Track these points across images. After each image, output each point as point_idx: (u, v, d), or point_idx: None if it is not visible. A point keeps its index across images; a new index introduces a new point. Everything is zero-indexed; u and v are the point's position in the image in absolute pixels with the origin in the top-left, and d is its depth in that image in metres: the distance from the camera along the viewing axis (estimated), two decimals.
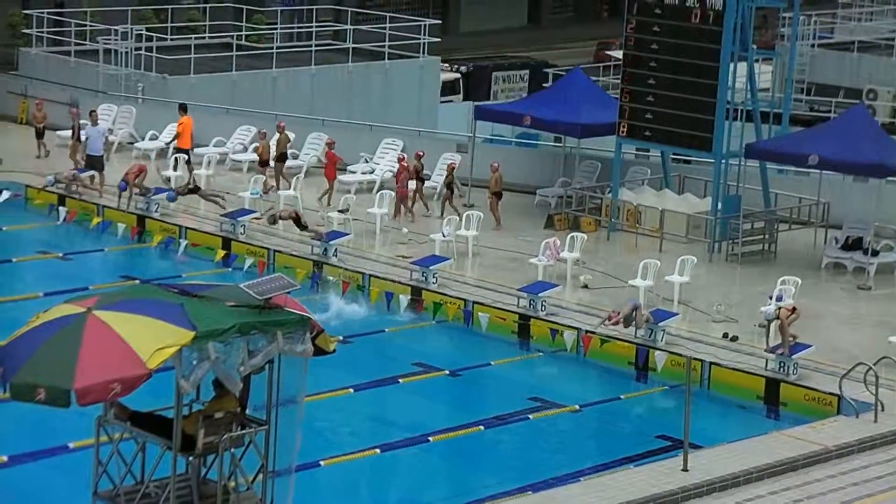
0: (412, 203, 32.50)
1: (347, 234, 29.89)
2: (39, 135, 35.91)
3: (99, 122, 34.84)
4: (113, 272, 28.45)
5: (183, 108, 35.40)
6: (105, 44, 41.46)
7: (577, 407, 23.27)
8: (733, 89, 31.04)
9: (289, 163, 35.60)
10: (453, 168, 32.99)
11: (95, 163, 33.57)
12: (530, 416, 22.78)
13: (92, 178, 33.46)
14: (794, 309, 23.88)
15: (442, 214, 32.11)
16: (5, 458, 19.50)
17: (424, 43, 45.17)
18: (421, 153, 33.54)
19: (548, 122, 33.90)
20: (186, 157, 34.28)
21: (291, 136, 35.57)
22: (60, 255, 29.60)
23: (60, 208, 31.49)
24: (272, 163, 33.97)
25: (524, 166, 36.00)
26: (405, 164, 32.77)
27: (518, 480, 19.96)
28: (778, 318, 23.66)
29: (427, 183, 33.65)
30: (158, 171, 33.19)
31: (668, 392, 23.77)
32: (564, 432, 22.51)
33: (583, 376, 24.63)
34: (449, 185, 32.73)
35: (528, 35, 66.43)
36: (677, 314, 25.75)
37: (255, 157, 35.95)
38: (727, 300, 27.21)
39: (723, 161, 31.00)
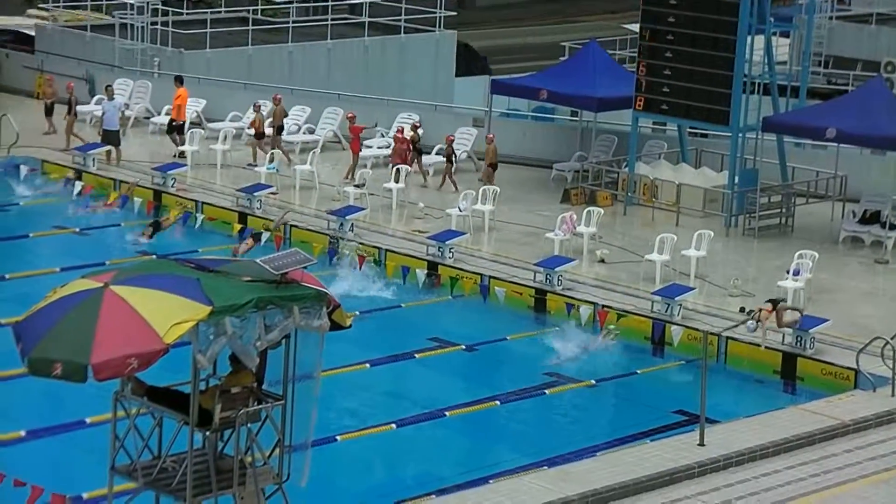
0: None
1: (363, 209, 29.87)
2: (48, 111, 35.79)
3: (115, 96, 34.83)
4: (129, 247, 28.46)
5: (179, 80, 35.41)
6: (121, 18, 41.43)
7: (594, 382, 23.26)
8: (750, 62, 30.92)
9: (305, 137, 35.62)
10: (452, 140, 33.08)
11: (111, 137, 33.61)
12: (546, 391, 22.78)
13: (108, 153, 33.50)
14: (773, 308, 23.43)
15: (440, 187, 32.38)
16: (23, 433, 19.56)
17: (441, 17, 45.06)
18: (417, 124, 33.52)
19: (564, 96, 33.83)
20: (180, 128, 34.40)
21: (307, 109, 35.54)
22: (77, 230, 29.63)
23: (76, 183, 31.49)
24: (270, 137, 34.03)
25: (540, 140, 35.95)
26: (402, 137, 32.83)
27: (534, 455, 19.98)
28: (759, 320, 23.32)
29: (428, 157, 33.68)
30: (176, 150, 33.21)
31: (684, 367, 23.74)
32: (580, 407, 22.51)
33: (600, 350, 24.58)
34: (448, 157, 32.81)
35: (545, 8, 66.21)
36: (694, 289, 25.69)
37: (268, 131, 36.04)
38: (744, 274, 27.16)
39: (740, 135, 30.91)
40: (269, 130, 34.27)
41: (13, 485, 15.31)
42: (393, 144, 33.30)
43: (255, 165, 33.15)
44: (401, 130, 33.53)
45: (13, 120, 33.91)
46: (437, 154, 34.36)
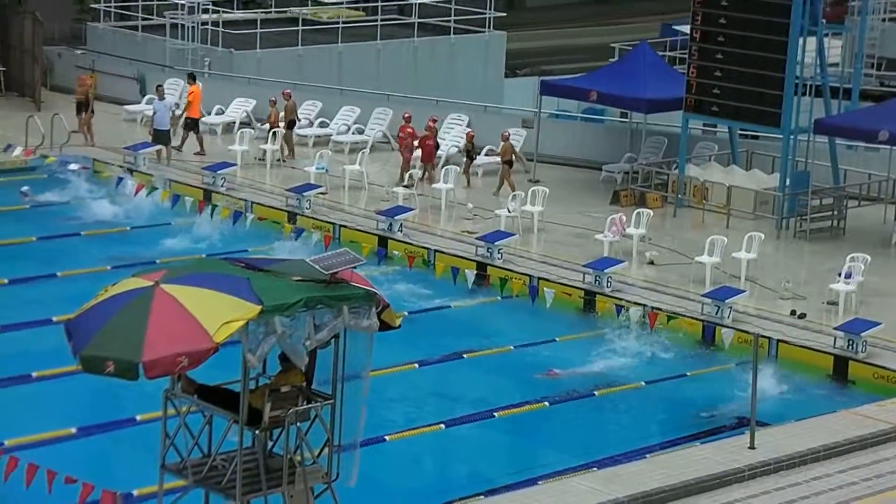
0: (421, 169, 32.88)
1: (412, 210, 29.88)
2: (80, 109, 35.70)
3: (165, 96, 34.97)
4: (180, 246, 28.57)
5: (192, 77, 35.58)
6: (172, 18, 41.62)
7: (643, 384, 23.17)
8: (802, 64, 30.75)
9: (354, 137, 35.68)
10: (472, 137, 33.16)
11: (162, 137, 33.77)
12: (595, 393, 22.71)
13: (158, 152, 33.66)
14: None
15: (468, 184, 32.58)
16: (74, 430, 19.67)
17: (490, 17, 45.02)
18: (472, 133, 33.47)
19: (614, 98, 33.73)
20: (195, 126, 34.54)
21: (357, 109, 35.61)
22: (128, 228, 29.77)
23: (128, 181, 31.65)
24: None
25: (589, 142, 35.88)
26: (410, 131, 33.02)
27: (583, 457, 19.93)
28: None
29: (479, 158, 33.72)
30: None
31: (734, 370, 23.60)
32: (629, 409, 22.42)
33: (649, 353, 24.48)
34: (468, 153, 32.83)
35: (595, 10, 66.00)
36: (744, 291, 25.55)
37: (320, 131, 36.16)
38: (795, 277, 26.99)
39: (791, 137, 30.73)
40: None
41: (64, 481, 15.38)
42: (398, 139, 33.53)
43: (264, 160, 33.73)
44: (408, 118, 33.53)
45: (65, 119, 34.10)
46: (486, 155, 34.36)
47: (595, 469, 19.03)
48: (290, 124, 34.81)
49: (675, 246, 28.99)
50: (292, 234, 28.97)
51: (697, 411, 22.33)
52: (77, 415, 20.18)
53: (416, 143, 32.98)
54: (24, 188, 30.88)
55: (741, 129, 33.47)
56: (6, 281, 25.73)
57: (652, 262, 27.88)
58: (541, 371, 23.41)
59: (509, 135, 32.97)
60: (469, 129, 34.00)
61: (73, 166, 32.01)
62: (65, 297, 24.09)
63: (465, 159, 33.17)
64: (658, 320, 24.77)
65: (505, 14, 47.27)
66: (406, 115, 34.00)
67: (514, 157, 32.83)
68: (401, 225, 28.95)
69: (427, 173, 32.79)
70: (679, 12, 55.12)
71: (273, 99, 34.99)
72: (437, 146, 33.49)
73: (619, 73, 34.12)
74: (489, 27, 45.21)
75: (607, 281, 26.06)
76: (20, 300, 24.91)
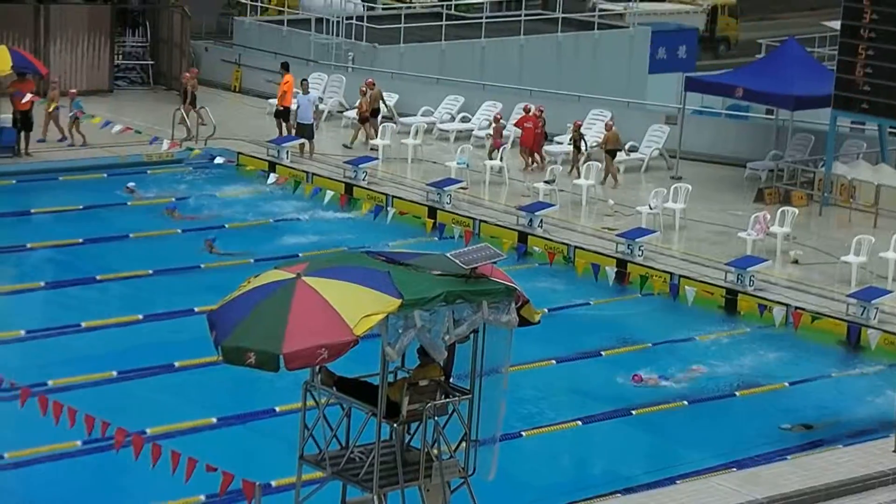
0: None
1: (553, 206, 29.78)
2: (187, 101, 35.95)
3: (309, 90, 35.26)
4: (321, 239, 28.78)
5: (285, 67, 35.77)
6: (317, 13, 41.96)
7: (787, 384, 22.84)
8: None
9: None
10: (579, 126, 33.22)
11: (305, 131, 34.04)
12: (737, 393, 22.44)
13: (302, 146, 33.94)
14: None
15: (570, 171, 32.57)
16: (214, 420, 19.90)
17: (635, 13, 44.71)
18: (541, 108, 33.88)
19: (760, 94, 33.27)
20: (286, 115, 34.70)
21: (499, 104, 35.59)
22: (270, 220, 30.06)
23: (271, 174, 31.97)
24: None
25: (734, 138, 35.47)
26: (499, 117, 34.14)
27: (722, 457, 19.72)
28: None
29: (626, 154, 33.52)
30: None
31: (880, 372, 23.17)
32: (771, 409, 22.08)
33: (792, 353, 24.14)
34: (575, 143, 33.00)
35: (743, 5, 65.22)
36: (891, 292, 25.06)
37: (461, 126, 36.23)
38: None
39: None
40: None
41: (205, 470, 15.56)
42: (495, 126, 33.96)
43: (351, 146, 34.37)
44: (499, 118, 34.28)
45: (210, 112, 34.55)
46: (630, 151, 34.16)
47: (734, 469, 18.82)
48: (374, 112, 35.12)
49: (819, 245, 28.54)
50: (434, 229, 29.03)
51: (840, 413, 21.95)
52: (217, 405, 20.41)
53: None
54: (131, 184, 31.13)
55: (891, 127, 32.82)
56: (151, 272, 26.13)
57: (796, 262, 27.48)
58: (680, 369, 23.18)
59: (612, 124, 32.79)
60: (577, 119, 33.96)
61: (218, 159, 32.40)
62: (208, 288, 24.43)
63: (573, 150, 33.14)
64: (802, 320, 24.40)
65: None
66: (526, 107, 33.99)
67: (617, 145, 32.73)
68: (541, 221, 28.86)
69: (535, 160, 33.07)
70: (829, 8, 54.32)
71: (363, 89, 35.19)
72: (546, 135, 33.72)
73: (767, 70, 33.64)
74: (633, 23, 44.90)
75: (750, 279, 25.73)
76: (165, 291, 25.28)
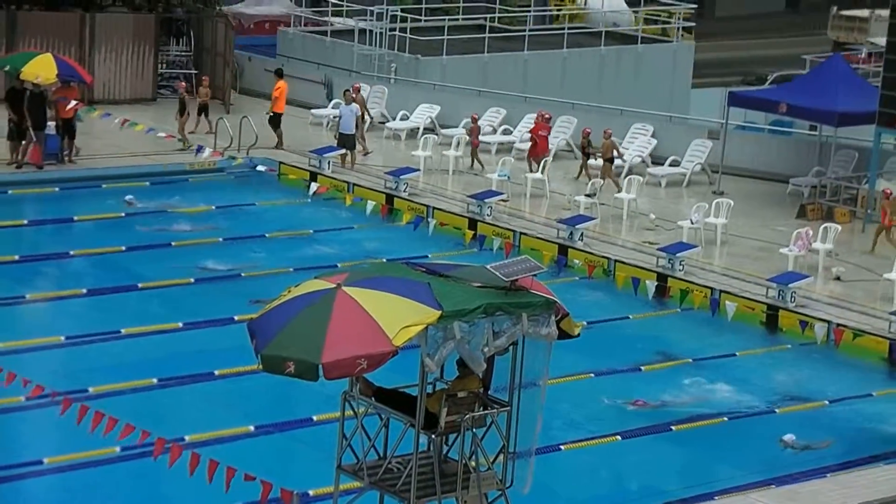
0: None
1: (594, 219, 29.74)
2: (201, 111, 36.03)
3: (352, 101, 35.33)
4: (361, 249, 28.82)
5: (279, 73, 35.97)
6: (361, 24, 42.07)
7: (826, 402, 22.70)
8: None
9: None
10: (588, 134, 33.43)
11: (347, 141, 34.11)
12: (776, 410, 22.32)
13: (343, 156, 34.01)
14: None
15: (577, 177, 33.29)
16: (252, 428, 19.94)
17: (678, 27, 44.62)
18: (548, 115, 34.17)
19: (804, 110, 33.12)
20: (278, 121, 34.85)
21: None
22: (311, 231, 30.12)
23: (312, 184, 32.03)
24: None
25: (777, 154, 35.33)
26: (476, 117, 34.77)
27: (761, 473, 19.61)
28: None
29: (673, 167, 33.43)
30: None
31: None
32: (811, 427, 21.94)
33: (833, 371, 24.01)
34: (583, 150, 33.36)
35: (786, 20, 65.11)
36: None
37: (503, 138, 36.28)
38: None
39: None
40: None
41: (243, 479, 15.58)
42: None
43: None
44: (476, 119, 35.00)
45: (252, 122, 34.67)
46: (670, 166, 34.12)
47: (773, 486, 18.72)
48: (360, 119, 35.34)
49: (862, 262, 28.38)
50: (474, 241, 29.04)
51: (881, 432, 21.79)
52: (256, 413, 20.45)
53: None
54: (129, 197, 30.97)
55: None
56: (192, 280, 26.23)
57: (838, 278, 27.33)
58: (720, 385, 23.08)
59: (611, 133, 33.03)
60: (585, 127, 34.13)
61: (259, 168, 32.49)
62: (248, 297, 24.49)
63: (582, 156, 33.27)
64: (844, 337, 24.26)
65: (693, 24, 46.85)
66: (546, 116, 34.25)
67: (615, 153, 32.84)
68: (582, 234, 28.82)
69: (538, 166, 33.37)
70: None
71: (352, 95, 35.29)
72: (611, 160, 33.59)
73: (811, 86, 33.50)
74: (677, 37, 44.82)
75: (791, 296, 25.62)
76: (205, 299, 25.35)
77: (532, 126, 34.27)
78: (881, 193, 30.11)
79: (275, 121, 35.03)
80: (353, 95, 35.08)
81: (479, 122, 36.11)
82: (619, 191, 31.42)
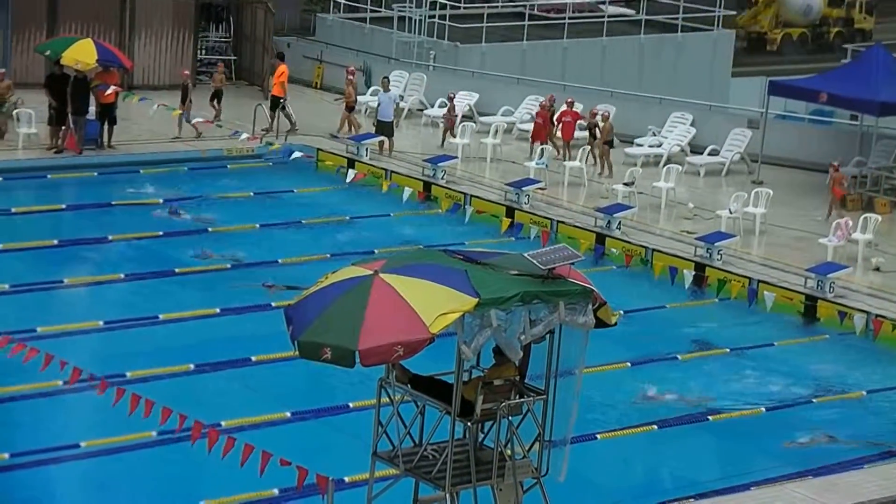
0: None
1: (632, 208, 29.65)
2: (214, 97, 35.94)
3: (390, 88, 35.33)
4: (398, 236, 28.83)
5: (280, 57, 36.12)
6: (399, 11, 42.04)
7: (864, 393, 22.59)
8: None
9: (577, 133, 35.57)
10: (595, 114, 33.61)
11: (385, 128, 34.10)
12: (814, 401, 22.21)
13: (381, 143, 34.00)
14: None
15: (595, 163, 33.25)
16: (288, 415, 19.97)
17: (720, 16, 44.42)
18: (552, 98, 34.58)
19: (845, 100, 32.93)
20: (281, 104, 34.72)
21: (580, 106, 35.52)
22: (347, 218, 30.13)
23: (349, 171, 32.05)
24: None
25: (817, 144, 35.14)
26: (453, 96, 35.50)
27: (798, 464, 19.52)
28: None
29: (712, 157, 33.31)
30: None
31: None
32: (849, 418, 21.84)
33: (872, 362, 23.88)
34: (590, 130, 33.50)
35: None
36: None
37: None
38: None
39: None
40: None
41: (279, 464, 15.61)
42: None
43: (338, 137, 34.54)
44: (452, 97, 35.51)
45: (290, 108, 34.69)
46: (709, 155, 33.99)
47: (810, 477, 18.63)
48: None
49: None
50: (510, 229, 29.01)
51: None
52: (292, 399, 20.49)
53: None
54: (173, 205, 30.65)
55: None
56: (228, 266, 26.28)
57: (878, 269, 27.18)
58: (757, 375, 23.00)
59: (609, 115, 33.12)
60: (593, 108, 34.37)
61: (296, 155, 32.54)
62: (285, 283, 24.52)
63: (589, 137, 33.44)
64: (882, 328, 24.12)
65: (735, 13, 46.61)
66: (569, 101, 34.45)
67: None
68: (619, 223, 28.74)
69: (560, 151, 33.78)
70: None
71: (350, 77, 35.47)
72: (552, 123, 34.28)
73: (852, 75, 33.30)
74: (717, 25, 44.62)
75: (830, 286, 25.48)
76: (242, 285, 25.39)
77: (562, 110, 34.28)
78: None
79: (274, 105, 35.04)
80: (351, 79, 35.40)
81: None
82: (610, 175, 31.62)
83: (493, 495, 14.63)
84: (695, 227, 29.28)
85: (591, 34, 43.15)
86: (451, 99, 35.55)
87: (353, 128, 35.14)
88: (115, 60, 32.54)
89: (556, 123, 34.12)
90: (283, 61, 35.73)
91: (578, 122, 34.23)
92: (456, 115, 35.07)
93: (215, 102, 35.46)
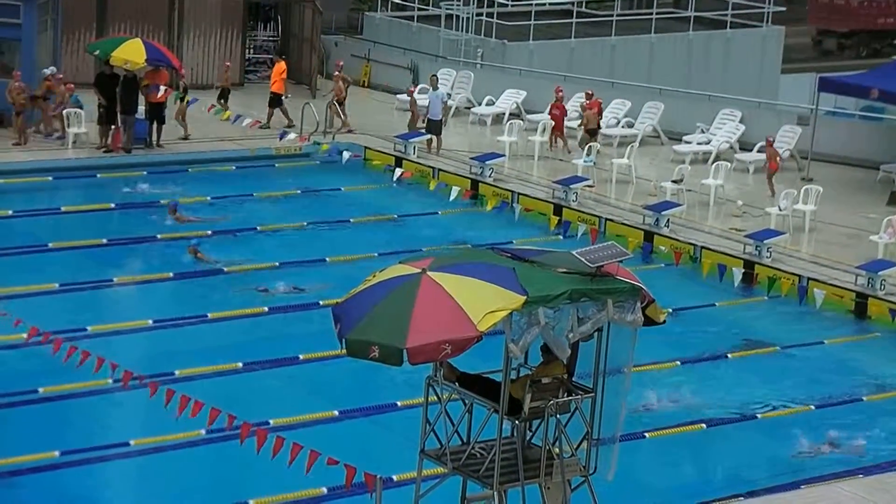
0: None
1: (681, 205, 29.52)
2: (221, 96, 35.96)
3: (438, 86, 35.32)
4: (446, 235, 28.81)
5: (280, 54, 36.68)
6: (447, 9, 42.03)
7: None
8: None
9: (624, 131, 35.47)
10: (599, 103, 33.86)
11: (434, 127, 34.10)
12: (864, 398, 22.05)
13: (429, 141, 34.00)
14: None
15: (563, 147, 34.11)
16: (336, 413, 19.99)
17: (768, 12, 44.18)
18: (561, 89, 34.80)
19: None
20: (281, 101, 35.00)
21: (627, 103, 35.42)
22: (395, 216, 30.14)
23: (396, 170, 32.05)
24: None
25: (867, 140, 34.91)
26: (413, 90, 35.83)
27: (848, 463, 19.38)
28: None
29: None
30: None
31: None
32: None
33: None
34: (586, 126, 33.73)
35: (878, 5, 64.14)
36: None
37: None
38: None
39: None
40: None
41: (326, 462, 15.63)
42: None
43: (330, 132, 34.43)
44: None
45: (341, 108, 34.73)
46: (758, 152, 33.82)
47: (861, 476, 18.50)
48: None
49: None
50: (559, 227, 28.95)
51: None
52: (340, 398, 20.51)
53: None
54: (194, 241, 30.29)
55: None
56: (277, 264, 26.34)
57: None
58: (807, 373, 22.85)
59: (600, 104, 33.67)
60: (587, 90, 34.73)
61: (345, 154, 32.57)
62: (333, 282, 24.55)
63: (583, 132, 33.64)
64: None
65: (784, 9, 46.36)
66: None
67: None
68: (668, 220, 28.62)
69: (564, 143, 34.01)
70: None
71: (339, 73, 35.53)
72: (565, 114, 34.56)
73: None
74: (767, 22, 44.38)
75: (881, 283, 25.30)
76: (289, 284, 25.43)
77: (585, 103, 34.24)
78: None
79: (273, 102, 35.04)
80: (342, 75, 35.44)
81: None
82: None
83: (540, 494, 14.59)
84: (744, 224, 29.13)
85: (640, 31, 43.01)
86: (410, 93, 35.59)
87: (343, 123, 35.05)
88: (164, 59, 32.67)
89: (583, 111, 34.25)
90: (281, 58, 36.01)
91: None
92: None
93: (222, 102, 35.35)
